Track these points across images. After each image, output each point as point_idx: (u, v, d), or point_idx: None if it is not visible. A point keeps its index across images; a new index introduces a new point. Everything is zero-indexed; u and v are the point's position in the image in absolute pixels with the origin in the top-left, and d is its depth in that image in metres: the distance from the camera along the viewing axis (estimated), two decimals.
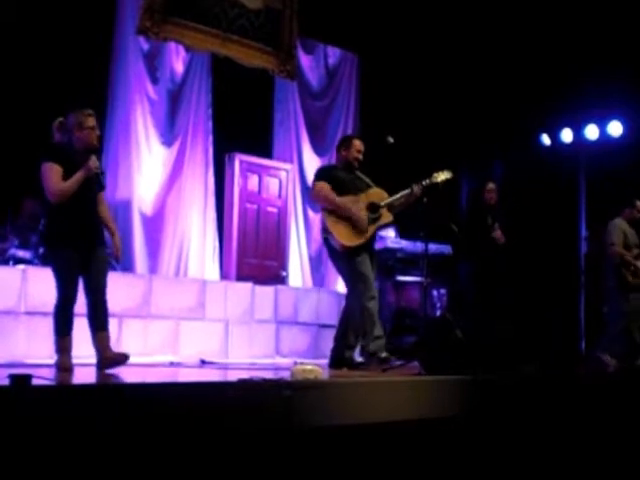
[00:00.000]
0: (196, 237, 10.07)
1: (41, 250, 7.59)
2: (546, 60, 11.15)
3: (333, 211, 6.56)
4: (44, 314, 6.56)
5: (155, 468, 3.60)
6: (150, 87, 9.79)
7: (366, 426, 4.43)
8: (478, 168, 11.96)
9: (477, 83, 11.64)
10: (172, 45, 9.90)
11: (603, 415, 5.87)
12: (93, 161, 5.66)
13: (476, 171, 11.92)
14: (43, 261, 7.29)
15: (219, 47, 10.13)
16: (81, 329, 5.65)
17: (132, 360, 6.02)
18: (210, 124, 10.34)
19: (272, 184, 10.91)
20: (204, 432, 3.78)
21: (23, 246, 7.77)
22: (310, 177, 11.38)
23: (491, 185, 8.56)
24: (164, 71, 9.92)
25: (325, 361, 8.19)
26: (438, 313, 10.11)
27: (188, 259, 9.95)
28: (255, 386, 4.28)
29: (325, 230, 6.64)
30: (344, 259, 6.62)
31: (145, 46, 9.71)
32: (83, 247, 5.62)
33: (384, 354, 6.38)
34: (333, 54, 11.87)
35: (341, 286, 11.12)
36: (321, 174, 6.84)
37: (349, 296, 6.77)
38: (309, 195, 6.96)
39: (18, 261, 7.62)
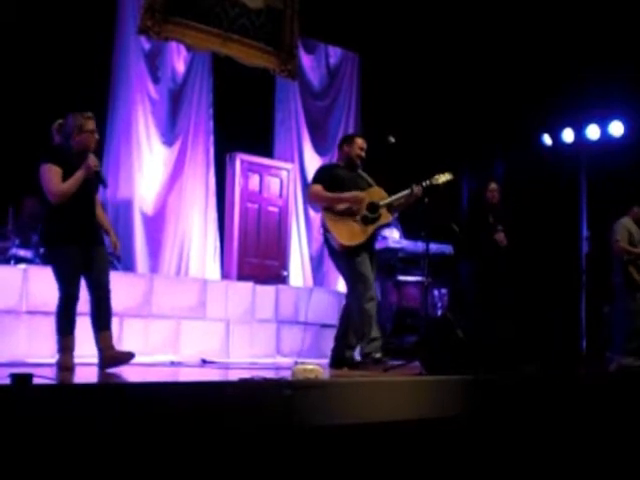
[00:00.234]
0: (197, 236, 10.08)
1: (42, 250, 7.60)
2: (547, 60, 11.15)
3: (332, 210, 6.54)
4: (45, 313, 6.59)
5: (156, 467, 3.60)
6: (151, 87, 9.80)
7: (367, 426, 4.43)
8: (479, 168, 11.97)
9: (478, 83, 11.64)
10: (173, 45, 9.91)
11: (604, 415, 5.87)
12: (92, 159, 5.67)
13: (477, 171, 11.93)
14: (43, 261, 7.29)
15: (220, 47, 10.13)
16: (83, 328, 5.65)
17: (133, 360, 6.03)
18: (211, 124, 10.35)
19: (273, 184, 10.91)
20: (205, 431, 3.78)
21: (24, 245, 7.77)
22: (311, 176, 11.39)
23: (493, 185, 8.57)
24: (165, 71, 9.93)
25: (326, 361, 8.20)
26: (439, 313, 10.11)
27: (189, 258, 9.96)
28: (256, 385, 4.28)
29: (325, 229, 6.63)
30: (344, 259, 6.61)
31: (146, 46, 9.71)
32: (83, 245, 5.63)
33: (378, 355, 6.36)
34: (334, 54, 11.88)
35: (342, 285, 11.12)
36: (319, 175, 6.82)
37: (348, 296, 6.76)
38: (306, 196, 6.95)
39: (19, 260, 7.62)
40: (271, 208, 10.87)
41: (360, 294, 6.48)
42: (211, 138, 10.35)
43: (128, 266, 9.10)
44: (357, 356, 6.83)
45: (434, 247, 9.46)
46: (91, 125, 5.75)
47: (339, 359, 6.64)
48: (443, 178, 6.91)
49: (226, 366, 7.47)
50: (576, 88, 10.97)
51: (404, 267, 10.24)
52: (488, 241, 8.31)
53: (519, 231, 8.74)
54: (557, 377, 6.34)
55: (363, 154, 6.82)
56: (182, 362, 7.56)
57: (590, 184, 11.56)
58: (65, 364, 5.48)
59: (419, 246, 9.55)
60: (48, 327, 5.81)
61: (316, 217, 11.42)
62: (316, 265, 11.38)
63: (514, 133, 11.86)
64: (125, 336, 7.50)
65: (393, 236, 10.19)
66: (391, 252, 10.07)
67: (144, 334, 7.79)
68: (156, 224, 9.71)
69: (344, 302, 6.93)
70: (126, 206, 9.44)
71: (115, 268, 8.05)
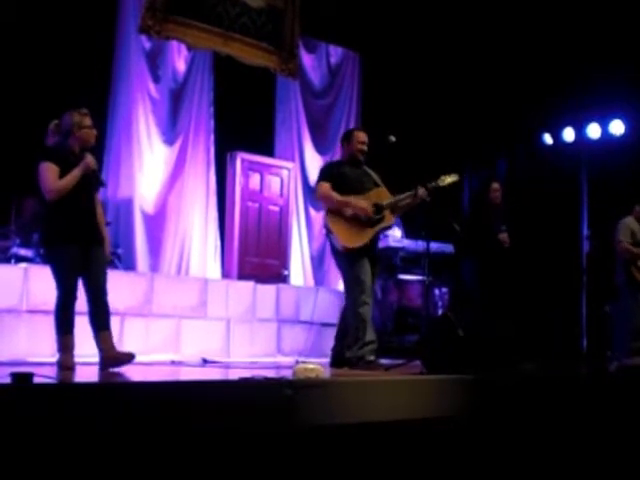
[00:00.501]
0: (198, 236, 10.08)
1: (42, 250, 7.60)
2: (548, 59, 11.14)
3: (336, 211, 6.53)
4: (46, 312, 6.57)
5: (157, 467, 3.60)
6: (152, 86, 9.80)
7: (368, 425, 4.43)
8: (480, 167, 11.97)
9: (479, 82, 11.63)
10: (174, 44, 9.91)
11: (605, 414, 5.87)
12: (90, 158, 5.69)
13: (478, 170, 11.92)
14: (44, 260, 7.29)
15: (221, 46, 10.13)
16: (83, 327, 5.65)
17: (133, 360, 6.03)
18: (212, 123, 10.35)
19: (274, 183, 10.91)
20: (205, 431, 3.78)
21: (25, 244, 7.78)
22: (312, 176, 11.41)
23: (496, 185, 8.56)
24: (166, 70, 9.93)
25: (327, 360, 8.21)
26: (440, 312, 10.11)
27: (190, 258, 9.96)
28: (256, 385, 4.29)
29: (327, 230, 6.61)
30: (345, 260, 6.59)
31: (147, 45, 9.71)
32: (82, 244, 5.63)
33: (371, 357, 6.35)
34: (335, 53, 11.88)
35: (342, 284, 11.15)
36: (325, 173, 6.76)
37: (345, 297, 6.76)
38: (313, 195, 6.90)
39: (20, 259, 7.62)
40: (272, 207, 10.86)
41: (355, 298, 6.47)
42: (212, 137, 10.35)
43: (129, 265, 9.10)
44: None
45: (435, 246, 9.46)
46: (88, 121, 5.78)
47: (339, 359, 6.63)
48: (449, 179, 6.86)
49: (227, 365, 7.47)
50: (577, 87, 10.97)
51: (405, 266, 10.24)
52: (490, 240, 8.31)
53: (520, 230, 8.74)
54: (558, 377, 6.34)
55: (365, 148, 6.76)
56: (183, 361, 7.55)
57: (591, 183, 11.55)
58: (66, 363, 5.48)
59: (420, 245, 9.55)
60: (48, 326, 5.81)
61: (317, 216, 11.42)
62: (317, 264, 11.38)
63: (515, 132, 11.86)
64: (126, 335, 7.50)
65: (394, 235, 10.19)
66: (392, 251, 10.07)
67: (145, 333, 7.80)
68: (157, 223, 9.71)
69: (344, 302, 6.91)
70: (127, 205, 9.44)
71: (116, 267, 8.05)
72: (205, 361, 7.71)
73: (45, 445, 3.27)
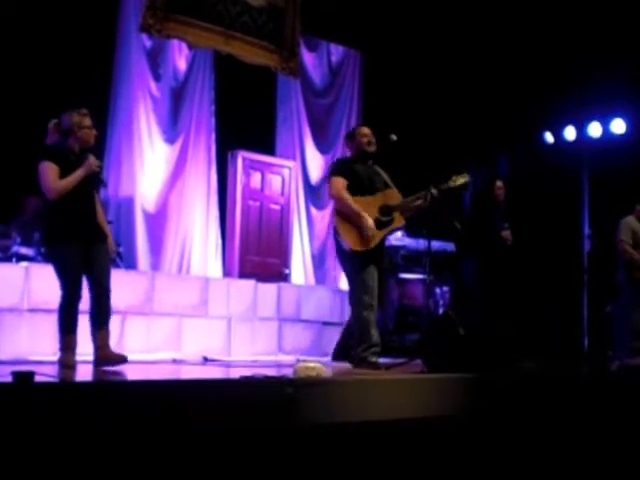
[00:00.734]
0: (199, 234, 10.08)
1: (43, 249, 7.61)
2: (549, 58, 11.14)
3: (344, 212, 6.51)
4: (47, 311, 6.59)
5: (158, 465, 3.60)
6: (153, 84, 9.80)
7: (369, 424, 4.43)
8: (481, 166, 11.95)
9: (480, 81, 11.62)
10: (175, 42, 9.91)
11: (606, 413, 5.86)
12: (93, 159, 5.70)
13: (479, 169, 11.90)
14: (45, 259, 7.29)
15: (222, 44, 10.13)
16: (85, 326, 5.65)
17: (134, 357, 6.04)
18: (213, 121, 10.35)
19: (275, 181, 10.91)
20: (206, 430, 3.78)
21: (26, 243, 7.77)
22: (313, 174, 11.43)
23: (499, 183, 8.56)
24: (167, 68, 9.92)
25: (328, 358, 8.22)
26: (441, 311, 10.11)
27: (191, 256, 9.96)
28: (257, 383, 4.28)
29: (335, 231, 6.56)
30: (350, 262, 6.54)
31: (148, 43, 9.71)
32: (84, 243, 5.64)
33: (374, 359, 6.34)
34: (336, 51, 11.88)
35: (343, 283, 11.14)
36: (339, 168, 6.69)
37: (349, 298, 6.74)
38: (327, 190, 6.79)
39: (21, 258, 7.62)
40: (273, 206, 10.87)
41: (359, 300, 6.44)
42: (213, 136, 10.34)
43: (130, 264, 9.10)
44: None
45: (436, 245, 9.46)
46: (88, 121, 5.78)
47: (341, 353, 6.58)
48: (461, 180, 6.78)
49: (228, 364, 7.47)
50: (578, 86, 10.97)
51: (406, 265, 10.23)
52: (491, 239, 8.31)
53: (521, 229, 8.74)
54: (558, 376, 6.34)
55: (372, 140, 6.65)
56: (184, 360, 7.55)
57: (592, 182, 11.56)
58: (67, 362, 5.49)
59: (421, 243, 9.55)
60: (50, 325, 5.82)
61: (318, 215, 11.44)
62: (318, 263, 11.38)
63: (516, 131, 11.86)
64: (127, 334, 7.51)
65: (395, 233, 10.17)
66: (393, 250, 10.05)
67: (146, 332, 7.80)
68: (158, 222, 9.71)
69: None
70: (128, 204, 9.44)
71: (117, 266, 8.05)
72: (206, 360, 7.71)
73: (46, 444, 3.27)
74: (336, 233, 6.51)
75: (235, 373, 5.04)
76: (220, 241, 10.28)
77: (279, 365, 7.17)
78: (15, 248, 7.69)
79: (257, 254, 10.55)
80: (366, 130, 6.74)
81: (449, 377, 5.33)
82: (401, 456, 4.52)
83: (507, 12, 11.20)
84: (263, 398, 4.07)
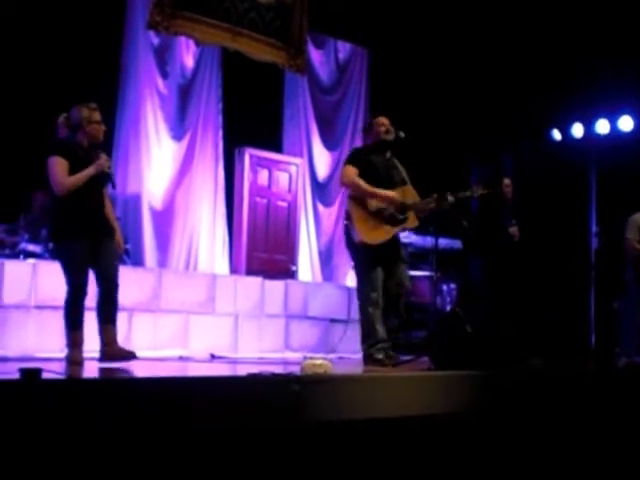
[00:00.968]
0: (206, 231, 10.08)
1: (50, 245, 7.61)
2: (556, 54, 11.12)
3: (359, 200, 6.45)
4: (54, 308, 6.59)
5: (164, 462, 3.61)
6: (160, 81, 9.79)
7: (376, 421, 4.43)
8: (489, 163, 11.94)
9: (488, 78, 11.61)
10: (182, 39, 9.90)
11: (613, 410, 5.86)
12: (105, 160, 5.70)
13: (487, 166, 11.90)
14: (52, 255, 7.30)
15: (229, 41, 10.12)
16: (91, 323, 5.66)
17: (141, 354, 6.04)
18: (220, 118, 10.35)
19: (282, 178, 10.91)
20: (213, 427, 3.78)
21: (33, 240, 7.78)
22: (320, 172, 11.43)
23: (507, 180, 8.57)
24: (174, 65, 9.92)
25: (335, 355, 8.23)
26: (448, 308, 10.10)
27: (198, 253, 9.96)
28: (264, 381, 4.28)
29: (348, 218, 6.52)
30: (359, 254, 6.52)
31: (155, 40, 9.71)
32: (92, 239, 5.64)
33: (380, 356, 6.33)
34: (343, 49, 11.86)
35: (350, 280, 11.14)
36: (354, 157, 6.64)
37: (357, 290, 6.72)
38: (339, 178, 6.76)
39: (28, 255, 7.63)
40: (280, 203, 10.87)
41: (365, 295, 6.43)
42: (220, 133, 10.34)
43: (137, 261, 9.11)
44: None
45: (443, 242, 9.45)
46: (97, 116, 5.79)
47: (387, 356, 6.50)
48: (479, 192, 6.79)
49: (235, 361, 7.47)
50: (585, 83, 10.94)
51: (413, 262, 10.21)
52: (499, 236, 8.30)
53: (528, 227, 8.73)
54: (566, 373, 6.33)
55: (390, 128, 6.63)
56: (191, 357, 7.57)
57: (600, 179, 11.53)
58: (74, 359, 5.49)
59: (428, 241, 9.54)
60: (57, 322, 5.82)
61: (325, 212, 11.43)
62: (325, 260, 11.37)
63: (523, 128, 11.84)
64: (134, 331, 7.51)
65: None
66: None
67: (153, 329, 7.81)
68: (165, 219, 9.72)
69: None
70: (135, 201, 9.45)
71: (124, 263, 8.06)
72: (213, 357, 7.72)
73: (53, 440, 3.28)
74: (348, 221, 6.47)
75: (242, 370, 5.03)
76: (227, 238, 10.28)
77: (286, 362, 7.17)
78: (22, 245, 7.70)
79: (264, 251, 10.55)
80: (384, 119, 6.71)
81: (456, 374, 5.33)
82: (408, 453, 4.52)
83: (514, 9, 11.18)
84: (270, 395, 4.07)
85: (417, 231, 10.04)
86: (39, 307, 7.06)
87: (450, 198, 6.54)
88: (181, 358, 7.48)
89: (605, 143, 11.25)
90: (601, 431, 5.63)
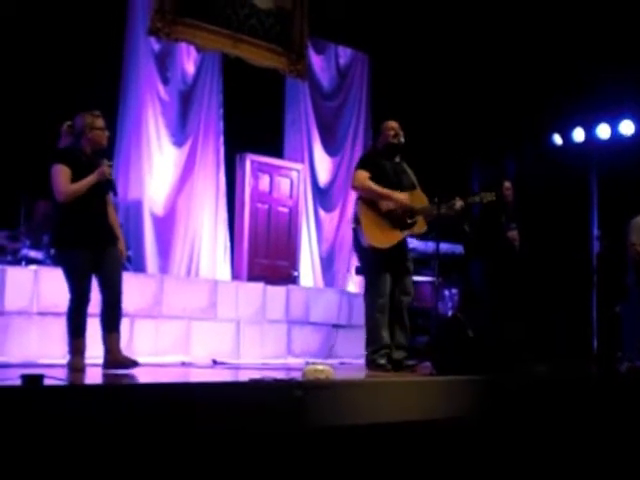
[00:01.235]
0: (207, 237, 10.08)
1: (52, 251, 7.62)
2: (557, 59, 11.13)
3: (370, 203, 6.46)
4: (56, 314, 6.61)
5: (167, 468, 3.60)
6: (161, 88, 9.80)
7: (378, 426, 4.43)
8: (490, 167, 11.95)
9: (488, 82, 11.62)
10: (183, 46, 9.91)
11: (616, 415, 5.85)
12: (107, 167, 5.71)
13: (488, 171, 11.91)
14: (54, 262, 7.30)
15: (230, 47, 10.14)
16: (93, 329, 5.66)
17: (143, 360, 6.04)
18: (221, 124, 10.35)
19: (283, 184, 10.92)
20: (215, 433, 3.78)
21: (35, 246, 7.78)
22: (321, 177, 11.44)
23: (508, 184, 8.57)
24: (175, 72, 9.93)
25: (336, 361, 8.23)
26: (450, 313, 10.09)
27: (199, 259, 9.96)
28: (266, 386, 4.29)
29: (356, 220, 6.53)
30: (366, 257, 6.54)
31: (156, 47, 9.71)
32: (95, 247, 5.65)
33: (382, 361, 6.33)
34: (344, 54, 11.87)
35: (352, 286, 11.15)
36: (365, 161, 6.69)
37: (364, 294, 6.72)
38: (350, 182, 6.80)
39: (30, 261, 7.63)
40: (281, 208, 10.87)
41: (372, 301, 6.44)
42: (221, 139, 10.35)
43: (138, 267, 9.10)
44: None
45: (444, 247, 9.44)
46: (101, 122, 5.80)
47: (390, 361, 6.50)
48: (489, 198, 6.79)
49: (237, 367, 7.47)
50: (586, 87, 10.95)
51: (415, 267, 10.19)
52: (500, 240, 8.30)
53: (530, 231, 8.73)
54: (568, 377, 6.33)
55: (398, 131, 6.70)
56: (193, 363, 7.56)
57: (601, 183, 11.54)
58: (76, 365, 5.49)
59: (429, 246, 9.53)
60: (59, 328, 5.83)
61: (326, 217, 11.44)
62: (326, 265, 11.38)
63: (524, 133, 11.85)
64: (136, 337, 7.51)
65: None
66: None
67: (155, 335, 7.80)
68: (166, 225, 9.72)
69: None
70: (136, 207, 9.44)
71: (126, 269, 8.05)
72: (215, 362, 7.71)
73: (55, 446, 3.28)
74: (357, 224, 6.48)
75: (244, 376, 5.04)
76: (229, 244, 10.28)
77: (288, 368, 7.16)
78: (24, 251, 7.70)
79: (266, 257, 10.56)
80: (393, 124, 6.76)
81: (458, 379, 5.33)
82: (410, 458, 4.52)
83: (514, 14, 11.20)
84: (272, 401, 4.07)
85: (418, 236, 10.07)
86: (41, 313, 7.05)
87: (459, 203, 6.55)
88: (183, 364, 7.47)
89: (606, 147, 11.26)
90: (603, 435, 5.62)
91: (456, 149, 11.30)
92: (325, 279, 11.29)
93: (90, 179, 5.63)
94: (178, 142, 9.91)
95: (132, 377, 5.33)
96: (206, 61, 10.21)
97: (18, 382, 3.56)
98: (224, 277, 9.98)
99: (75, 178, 5.60)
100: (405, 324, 6.62)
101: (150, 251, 9.52)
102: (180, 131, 9.95)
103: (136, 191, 9.46)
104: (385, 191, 6.41)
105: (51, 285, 6.89)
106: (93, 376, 5.32)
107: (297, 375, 4.80)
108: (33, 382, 3.56)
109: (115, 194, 6.09)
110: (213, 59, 10.26)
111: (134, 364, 5.62)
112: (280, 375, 4.89)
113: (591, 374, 7.33)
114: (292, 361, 8.43)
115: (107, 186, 5.83)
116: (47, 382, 3.65)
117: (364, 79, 12.07)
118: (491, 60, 11.54)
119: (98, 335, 5.68)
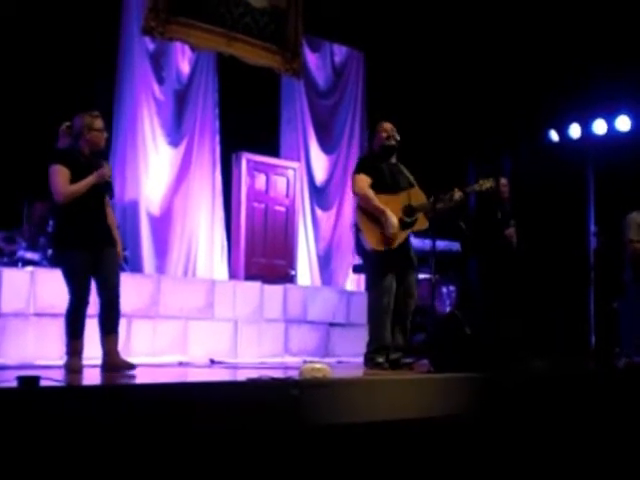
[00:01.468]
0: (204, 237, 10.07)
1: (50, 252, 7.60)
2: (553, 55, 11.12)
3: (367, 213, 6.46)
4: (53, 315, 6.61)
5: (164, 468, 3.60)
6: (156, 87, 9.78)
7: (375, 425, 4.42)
8: (486, 164, 11.94)
9: (484, 79, 11.61)
10: (178, 45, 9.90)
11: (614, 411, 5.85)
12: (107, 169, 5.72)
13: (484, 167, 11.90)
14: (52, 263, 7.29)
15: (224, 46, 10.13)
16: (91, 330, 5.65)
17: (141, 360, 6.04)
18: (217, 123, 10.34)
19: (279, 183, 10.91)
20: (213, 431, 3.78)
21: (32, 248, 7.77)
22: (318, 175, 11.43)
23: (504, 180, 8.57)
24: (170, 71, 9.91)
25: (334, 359, 8.22)
26: (448, 310, 10.09)
27: (196, 259, 9.95)
28: (264, 385, 4.28)
29: (357, 228, 6.55)
30: (370, 261, 6.55)
31: (151, 46, 9.70)
32: (93, 248, 5.64)
33: (380, 360, 6.33)
34: (339, 52, 11.86)
35: (349, 284, 11.15)
36: (363, 165, 6.69)
37: (368, 296, 6.72)
38: (351, 187, 6.80)
39: (27, 263, 7.62)
40: (278, 207, 10.86)
41: (376, 301, 6.43)
42: (217, 138, 10.33)
43: (135, 267, 9.09)
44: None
45: (442, 244, 9.42)
46: (99, 123, 5.80)
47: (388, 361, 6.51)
48: (487, 184, 6.78)
49: (234, 366, 7.47)
50: (582, 83, 10.95)
51: None
52: (497, 237, 8.30)
53: (527, 228, 8.73)
54: (566, 374, 6.33)
55: (394, 134, 6.70)
56: (190, 362, 7.57)
57: (597, 179, 11.54)
58: (73, 366, 5.49)
59: (427, 244, 9.49)
60: (56, 329, 5.83)
61: (323, 216, 11.43)
62: (324, 264, 11.37)
63: (520, 129, 11.84)
64: (133, 337, 7.51)
65: None
66: None
67: (152, 335, 7.80)
68: (163, 225, 9.71)
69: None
70: (132, 207, 9.43)
71: (122, 269, 8.04)
72: (212, 362, 7.72)
73: (52, 448, 3.27)
74: (358, 230, 6.50)
75: (242, 375, 5.04)
76: (226, 243, 10.27)
77: (286, 367, 7.16)
78: (21, 253, 7.69)
79: (263, 256, 10.55)
80: (387, 125, 6.76)
81: (456, 377, 5.32)
82: (408, 456, 4.52)
83: (509, 10, 11.19)
84: (270, 400, 4.07)
85: (415, 234, 10.06)
86: (38, 315, 7.05)
87: (457, 194, 6.55)
88: (180, 364, 7.47)
89: (602, 143, 11.25)
90: (601, 432, 5.62)
91: (452, 146, 11.29)
92: (322, 278, 11.28)
93: (89, 180, 5.62)
94: (174, 142, 9.90)
95: (129, 377, 5.33)
96: (201, 60, 10.20)
97: (14, 384, 3.56)
98: (221, 277, 9.97)
99: (74, 179, 5.60)
100: (406, 327, 6.63)
101: (147, 251, 9.51)
102: (176, 131, 9.94)
103: (132, 191, 9.44)
104: (381, 208, 6.40)
105: (48, 286, 6.89)
106: (90, 377, 5.32)
107: (294, 374, 4.80)
108: (29, 384, 3.55)
109: (112, 197, 6.07)
110: (208, 58, 10.24)
111: (131, 368, 5.62)
112: (277, 374, 4.89)
113: (589, 370, 7.32)
114: (290, 360, 8.42)
115: (105, 188, 5.83)
116: (43, 383, 3.64)
117: (359, 77, 12.06)
118: (486, 56, 11.54)
119: (95, 336, 5.67)
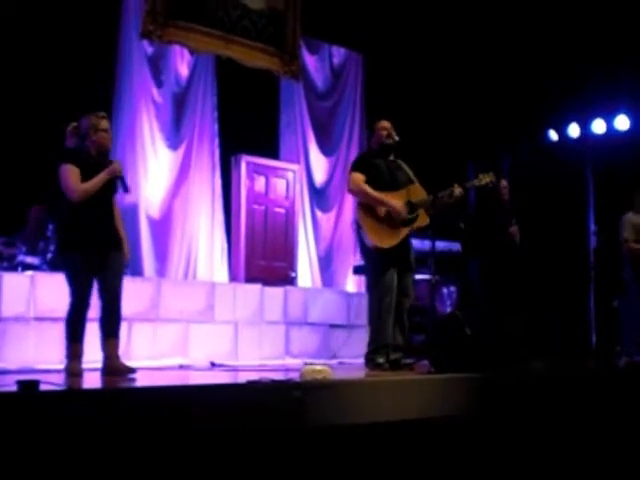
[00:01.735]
0: (204, 239, 10.06)
1: (49, 255, 7.61)
2: (552, 55, 11.13)
3: (368, 206, 6.46)
4: (53, 319, 6.60)
5: (165, 472, 3.60)
6: (155, 91, 9.78)
7: (377, 425, 4.42)
8: (485, 164, 11.92)
9: (483, 80, 11.62)
10: (176, 48, 9.90)
11: (614, 410, 5.85)
12: (117, 164, 5.74)
13: (483, 167, 11.88)
14: (55, 266, 7.29)
15: (223, 49, 10.13)
16: (92, 334, 5.65)
17: (141, 364, 6.03)
18: (216, 126, 10.33)
19: (279, 185, 10.91)
20: (214, 434, 3.77)
21: (31, 252, 7.77)
22: (317, 177, 11.42)
23: (504, 182, 8.58)
24: (169, 74, 9.91)
25: (335, 361, 8.22)
26: (448, 311, 10.08)
27: (196, 262, 9.95)
28: (265, 388, 4.28)
29: (358, 225, 6.54)
30: (371, 258, 6.54)
31: (149, 50, 9.70)
32: (99, 250, 5.64)
33: (380, 360, 6.33)
34: (338, 54, 11.86)
35: (350, 286, 11.14)
36: (359, 163, 6.70)
37: (369, 295, 6.72)
38: (346, 185, 6.80)
39: (26, 267, 7.62)
40: (278, 209, 10.86)
41: (378, 300, 6.43)
42: (216, 141, 10.33)
43: (135, 270, 9.08)
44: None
45: (442, 245, 9.43)
46: (105, 124, 5.82)
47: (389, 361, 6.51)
48: (487, 179, 6.77)
49: (235, 369, 7.47)
50: (581, 83, 10.96)
51: None
52: (497, 237, 8.30)
53: (526, 227, 8.73)
54: (566, 373, 6.32)
55: (392, 133, 6.70)
56: (191, 365, 7.57)
57: (596, 179, 11.54)
58: (73, 370, 5.48)
59: (426, 244, 9.49)
60: (56, 333, 5.82)
61: (323, 217, 11.42)
62: (324, 266, 11.36)
63: (520, 129, 11.84)
64: (133, 340, 7.51)
65: None
66: None
67: (152, 338, 7.80)
68: (163, 228, 9.70)
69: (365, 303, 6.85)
70: (132, 211, 9.42)
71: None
72: (213, 365, 7.71)
73: (52, 452, 3.27)
74: (358, 227, 6.50)
75: (242, 378, 5.03)
76: (226, 246, 10.27)
77: (286, 369, 7.15)
78: (20, 257, 7.69)
79: (263, 258, 10.54)
80: (385, 123, 6.76)
81: (456, 377, 5.32)
82: (409, 457, 4.51)
83: (508, 11, 11.19)
84: (271, 402, 4.07)
85: (415, 234, 10.07)
86: (38, 319, 7.05)
87: (457, 189, 6.54)
88: (181, 367, 7.47)
89: (601, 143, 11.26)
90: (602, 431, 5.62)
91: (451, 147, 11.28)
92: (323, 279, 11.27)
93: (102, 176, 5.65)
94: (173, 145, 9.89)
95: (130, 381, 5.32)
96: (200, 63, 10.20)
97: (14, 388, 3.55)
98: (221, 279, 9.97)
99: (83, 179, 5.62)
100: (404, 325, 6.63)
101: (147, 254, 9.51)
102: (175, 134, 9.93)
103: (132, 195, 9.40)
104: (379, 197, 6.41)
105: (48, 290, 6.90)
106: (90, 381, 5.32)
107: (295, 376, 4.80)
108: (29, 388, 3.55)
109: (126, 190, 6.04)
110: (207, 61, 10.24)
111: (131, 372, 5.62)
112: (278, 376, 4.88)
113: (590, 370, 7.32)
114: (290, 362, 8.42)
115: (120, 185, 5.85)
116: (43, 388, 3.64)
117: (358, 78, 12.06)
118: (485, 56, 11.54)
119: (96, 340, 5.67)
